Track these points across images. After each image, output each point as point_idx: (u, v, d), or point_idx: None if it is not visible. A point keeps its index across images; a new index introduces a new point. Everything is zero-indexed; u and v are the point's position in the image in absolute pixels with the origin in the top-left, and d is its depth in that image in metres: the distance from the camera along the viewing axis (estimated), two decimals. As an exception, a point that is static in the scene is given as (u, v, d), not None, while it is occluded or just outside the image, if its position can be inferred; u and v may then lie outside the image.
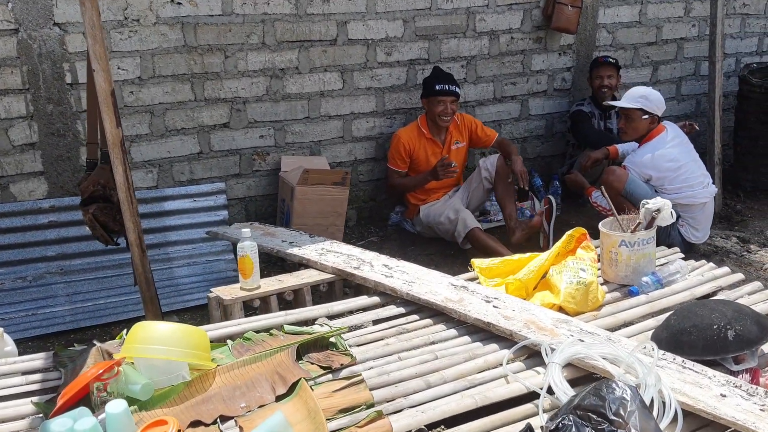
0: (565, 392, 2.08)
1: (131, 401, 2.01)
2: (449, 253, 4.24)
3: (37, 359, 2.41)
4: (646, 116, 3.89)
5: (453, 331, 2.59)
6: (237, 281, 2.91)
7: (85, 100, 3.12)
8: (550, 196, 4.29)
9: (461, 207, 4.26)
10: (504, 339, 2.48)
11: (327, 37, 4.36)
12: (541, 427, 1.94)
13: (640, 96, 3.92)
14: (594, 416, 1.78)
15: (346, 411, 2.03)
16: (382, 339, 2.53)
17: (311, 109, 4.44)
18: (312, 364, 2.27)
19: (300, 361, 2.28)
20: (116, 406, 1.87)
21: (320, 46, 4.35)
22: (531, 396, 2.15)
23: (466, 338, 2.54)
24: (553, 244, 4.03)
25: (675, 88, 5.73)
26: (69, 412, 1.94)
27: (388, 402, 2.10)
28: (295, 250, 3.28)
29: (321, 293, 3.04)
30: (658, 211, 3.05)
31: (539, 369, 2.30)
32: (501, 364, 2.31)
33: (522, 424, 1.97)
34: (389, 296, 2.87)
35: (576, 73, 5.26)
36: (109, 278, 3.81)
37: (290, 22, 4.23)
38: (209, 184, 4.19)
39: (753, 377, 2.27)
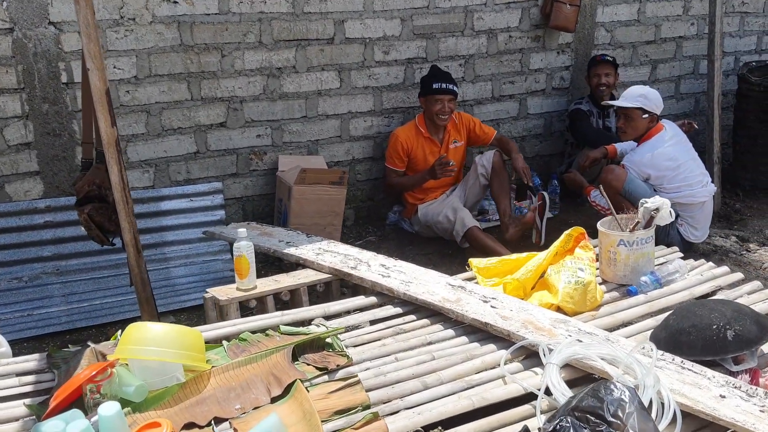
0: (563, 393, 2.07)
1: (125, 403, 2.00)
2: (447, 252, 4.23)
3: (31, 360, 2.40)
4: (646, 115, 3.88)
5: (450, 332, 2.58)
6: (234, 281, 2.90)
7: (81, 100, 3.10)
8: (544, 192, 4.26)
9: (459, 206, 4.24)
10: (502, 339, 2.46)
11: (324, 36, 4.34)
12: (539, 429, 1.93)
13: (639, 95, 3.90)
14: (592, 418, 1.77)
15: (341, 413, 2.02)
16: (378, 339, 2.52)
17: (308, 109, 4.43)
18: (308, 365, 2.26)
19: (296, 362, 2.26)
20: (109, 408, 1.86)
21: (317, 45, 4.34)
22: (529, 397, 2.14)
23: (464, 338, 2.53)
24: (545, 239, 4.06)
25: (674, 87, 5.71)
26: (61, 414, 1.92)
27: (384, 403, 2.09)
28: (292, 250, 3.27)
29: (318, 293, 3.03)
30: (657, 210, 3.04)
31: (537, 370, 2.28)
32: (498, 365, 2.30)
33: (519, 426, 1.95)
34: (386, 296, 2.86)
35: (574, 71, 5.24)
36: (105, 278, 3.80)
37: (287, 20, 4.21)
38: (206, 184, 4.18)
39: (752, 378, 2.26)
